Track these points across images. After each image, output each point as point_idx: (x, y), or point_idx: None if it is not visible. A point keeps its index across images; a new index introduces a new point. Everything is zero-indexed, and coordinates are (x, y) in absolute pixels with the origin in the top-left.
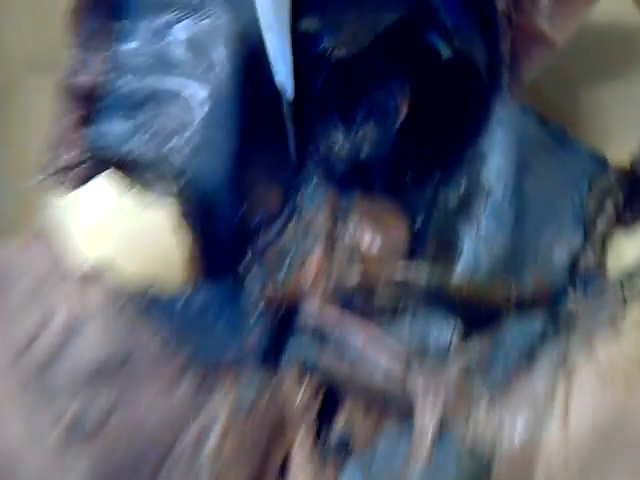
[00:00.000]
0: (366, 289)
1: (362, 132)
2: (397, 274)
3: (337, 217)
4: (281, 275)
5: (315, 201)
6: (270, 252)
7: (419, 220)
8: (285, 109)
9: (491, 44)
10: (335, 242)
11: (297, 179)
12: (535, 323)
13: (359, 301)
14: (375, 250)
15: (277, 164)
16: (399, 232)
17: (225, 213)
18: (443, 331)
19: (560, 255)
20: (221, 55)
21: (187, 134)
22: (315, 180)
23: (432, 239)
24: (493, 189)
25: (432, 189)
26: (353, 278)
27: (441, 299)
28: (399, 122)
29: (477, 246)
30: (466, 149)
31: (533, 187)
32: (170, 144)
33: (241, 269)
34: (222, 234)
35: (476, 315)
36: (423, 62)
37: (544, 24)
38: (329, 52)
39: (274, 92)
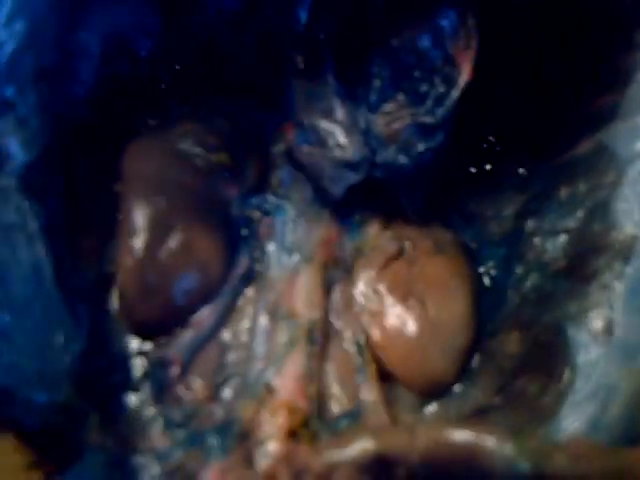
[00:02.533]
0: (386, 461)
1: (385, 112)
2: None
3: (333, 282)
4: (212, 441)
5: (289, 254)
6: (196, 372)
7: (489, 280)
8: None
9: None
10: (329, 339)
11: (253, 211)
12: None
13: None
14: (407, 350)
15: (211, 185)
16: (454, 306)
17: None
18: None
19: None
20: None
21: None
22: (290, 211)
23: (515, 327)
24: None
25: (513, 215)
26: (360, 442)
27: None
28: (456, 93)
29: (606, 361)
30: (583, 138)
31: None
32: None
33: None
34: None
35: None
36: None
37: None
38: None
39: None
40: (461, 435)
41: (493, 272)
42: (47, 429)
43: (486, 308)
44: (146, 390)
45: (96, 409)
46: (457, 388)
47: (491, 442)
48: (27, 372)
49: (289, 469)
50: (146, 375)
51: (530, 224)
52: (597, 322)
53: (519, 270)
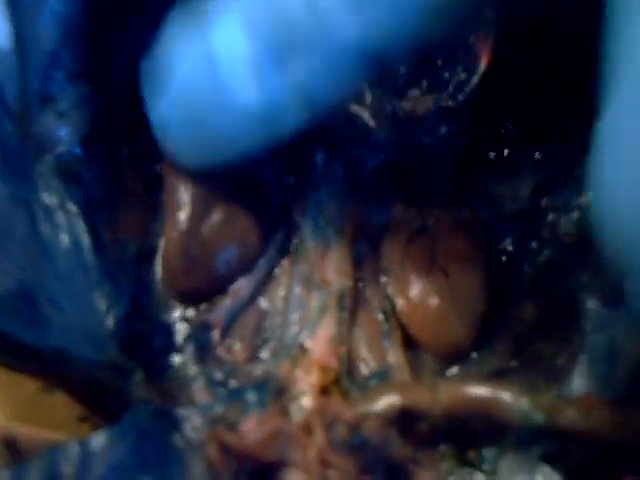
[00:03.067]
0: (410, 416)
1: (410, 97)
2: (466, 390)
3: (361, 255)
4: (250, 396)
5: (322, 229)
6: (235, 336)
7: (506, 256)
8: None
9: None
10: (357, 306)
11: (288, 191)
12: None
13: (392, 443)
14: (429, 319)
15: (248, 166)
16: (473, 277)
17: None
18: None
19: None
20: None
21: None
22: (322, 190)
23: (530, 297)
24: None
25: (529, 195)
26: (386, 397)
27: (544, 438)
28: (476, 78)
29: (615, 326)
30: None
31: None
32: None
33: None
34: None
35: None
36: None
37: None
38: None
39: None
40: (480, 391)
41: (510, 248)
42: (96, 385)
43: (504, 281)
44: (189, 351)
45: (142, 368)
46: (476, 354)
47: (508, 397)
48: (76, 334)
49: (322, 419)
50: (189, 338)
51: (545, 202)
52: (607, 290)
53: (534, 245)
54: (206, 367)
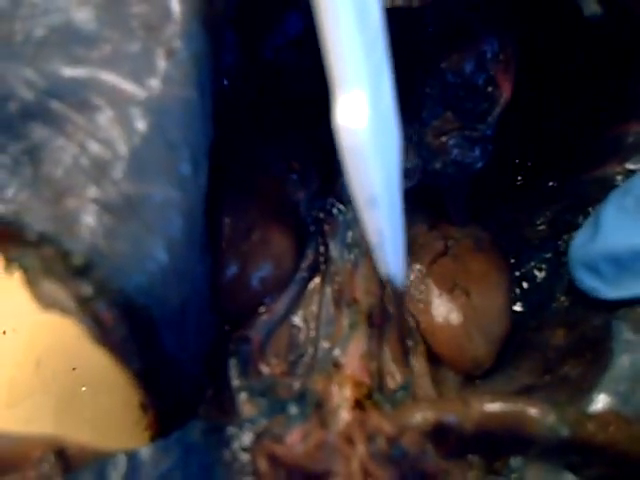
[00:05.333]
0: (441, 428)
1: (433, 128)
2: (496, 405)
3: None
4: (292, 409)
5: (350, 250)
6: (272, 351)
7: (532, 278)
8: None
9: None
10: (386, 321)
11: (320, 214)
12: None
13: (428, 454)
14: (451, 336)
15: (284, 190)
16: (493, 297)
17: (188, 307)
18: None
19: None
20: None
21: (112, 176)
22: (350, 213)
23: (563, 324)
24: None
25: (549, 223)
26: (422, 411)
27: (568, 450)
28: (498, 109)
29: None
30: (610, 160)
31: None
32: (77, 200)
33: (221, 399)
34: (183, 346)
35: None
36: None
37: None
38: None
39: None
40: (509, 406)
41: (537, 273)
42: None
43: (532, 306)
44: (232, 365)
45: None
46: (501, 371)
47: (535, 412)
48: (187, 348)
49: (362, 432)
50: (231, 352)
51: (563, 229)
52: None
53: (568, 275)
54: (248, 380)
